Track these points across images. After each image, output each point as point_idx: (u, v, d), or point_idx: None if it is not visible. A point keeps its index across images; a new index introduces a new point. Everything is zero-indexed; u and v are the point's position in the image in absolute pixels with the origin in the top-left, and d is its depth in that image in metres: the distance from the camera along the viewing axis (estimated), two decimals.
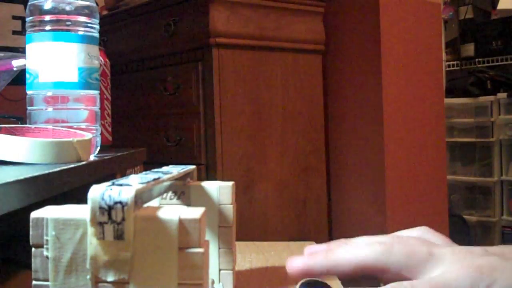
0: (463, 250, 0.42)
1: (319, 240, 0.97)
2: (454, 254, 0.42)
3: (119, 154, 0.89)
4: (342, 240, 0.47)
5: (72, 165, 0.61)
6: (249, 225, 1.71)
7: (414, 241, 0.44)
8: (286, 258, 0.64)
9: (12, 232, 0.59)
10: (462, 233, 3.05)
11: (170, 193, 0.48)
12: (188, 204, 0.48)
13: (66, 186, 0.56)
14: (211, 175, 1.65)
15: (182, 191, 0.48)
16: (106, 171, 0.76)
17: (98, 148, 0.81)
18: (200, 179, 0.49)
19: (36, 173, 0.50)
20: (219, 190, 0.48)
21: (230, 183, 0.48)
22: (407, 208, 1.87)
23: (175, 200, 0.48)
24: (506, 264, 0.40)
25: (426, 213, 1.94)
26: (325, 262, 0.45)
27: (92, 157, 0.76)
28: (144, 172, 0.42)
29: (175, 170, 0.45)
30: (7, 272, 0.59)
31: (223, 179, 1.65)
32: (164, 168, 0.45)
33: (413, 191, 1.91)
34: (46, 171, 0.52)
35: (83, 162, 0.65)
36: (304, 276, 0.45)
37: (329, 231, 1.95)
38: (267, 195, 1.76)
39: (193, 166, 0.50)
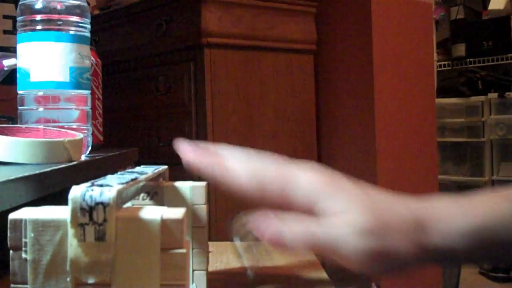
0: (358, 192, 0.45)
1: None
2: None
3: (110, 154, 0.89)
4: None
5: (63, 165, 0.60)
6: None
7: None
8: (277, 258, 0.64)
9: (1, 233, 0.58)
10: None
11: (143, 194, 0.47)
12: (161, 204, 0.47)
13: (57, 186, 0.56)
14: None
15: (155, 191, 0.47)
16: (97, 171, 0.76)
17: (90, 148, 0.81)
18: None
19: (27, 173, 0.49)
20: (192, 190, 0.48)
21: (203, 183, 0.48)
22: None
23: (148, 201, 0.47)
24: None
25: None
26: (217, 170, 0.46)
27: (83, 157, 0.76)
28: (119, 173, 0.41)
29: (149, 170, 0.45)
30: None
31: None
32: (138, 169, 0.45)
33: (404, 190, 1.91)
34: (37, 171, 0.52)
35: (74, 162, 0.64)
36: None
37: None
38: None
39: (165, 166, 0.49)
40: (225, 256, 0.66)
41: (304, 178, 0.45)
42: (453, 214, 0.42)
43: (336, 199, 0.43)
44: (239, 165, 0.46)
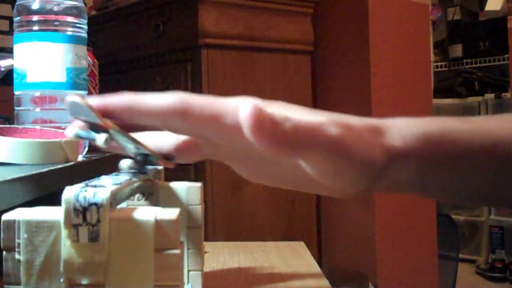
0: None
1: (308, 240, 0.97)
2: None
3: (107, 154, 0.88)
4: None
5: (60, 166, 0.60)
6: (238, 225, 1.71)
7: None
8: (274, 258, 0.64)
9: None
10: (450, 233, 3.07)
11: (138, 194, 0.47)
12: (156, 205, 0.47)
13: (54, 186, 0.56)
14: (200, 176, 1.65)
15: (150, 192, 0.47)
16: (94, 171, 0.76)
17: (86, 149, 0.81)
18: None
19: (23, 174, 0.49)
20: (188, 190, 0.48)
21: (199, 184, 0.48)
22: (395, 207, 1.88)
23: (143, 201, 0.47)
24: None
25: (414, 213, 1.95)
26: (124, 101, 0.40)
27: (80, 158, 0.76)
28: (114, 173, 0.41)
29: (144, 170, 0.45)
30: None
31: (212, 180, 1.65)
32: (133, 169, 0.45)
33: None
34: (34, 172, 0.52)
35: (71, 163, 0.64)
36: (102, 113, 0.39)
37: (318, 231, 1.95)
38: (256, 196, 1.76)
39: (161, 167, 0.49)
40: (221, 256, 0.66)
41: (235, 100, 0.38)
42: (406, 121, 0.42)
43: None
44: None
